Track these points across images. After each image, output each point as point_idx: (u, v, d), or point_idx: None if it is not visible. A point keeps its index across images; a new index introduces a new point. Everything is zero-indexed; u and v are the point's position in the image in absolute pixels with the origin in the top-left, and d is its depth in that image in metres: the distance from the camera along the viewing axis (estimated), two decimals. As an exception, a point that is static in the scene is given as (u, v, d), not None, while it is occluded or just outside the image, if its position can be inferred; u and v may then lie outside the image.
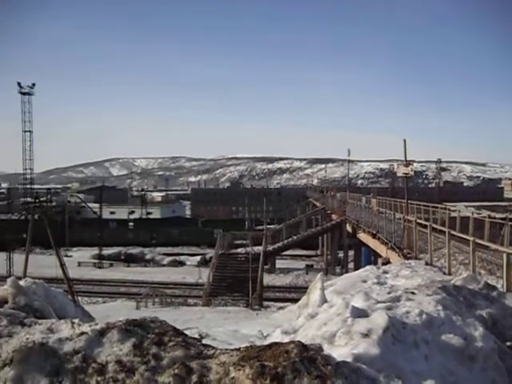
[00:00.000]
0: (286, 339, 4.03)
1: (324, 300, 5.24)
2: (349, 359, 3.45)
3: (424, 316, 4.43)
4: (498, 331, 5.42)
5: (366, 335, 3.87)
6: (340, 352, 3.70)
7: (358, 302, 4.87)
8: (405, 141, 23.32)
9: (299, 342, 3.15)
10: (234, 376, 2.91)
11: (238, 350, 3.23)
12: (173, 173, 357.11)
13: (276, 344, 3.16)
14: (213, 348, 3.40)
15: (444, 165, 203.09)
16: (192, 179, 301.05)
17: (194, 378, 2.96)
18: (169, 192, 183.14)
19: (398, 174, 24.48)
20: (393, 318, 4.12)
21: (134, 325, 3.60)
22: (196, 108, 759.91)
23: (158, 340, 3.38)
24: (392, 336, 3.91)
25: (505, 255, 9.28)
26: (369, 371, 3.11)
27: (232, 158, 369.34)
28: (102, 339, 3.42)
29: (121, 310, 24.56)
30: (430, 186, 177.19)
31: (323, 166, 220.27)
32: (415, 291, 6.02)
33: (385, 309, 4.57)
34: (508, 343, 5.17)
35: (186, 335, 3.68)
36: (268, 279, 38.04)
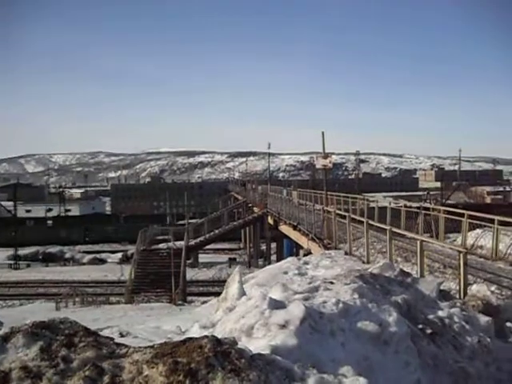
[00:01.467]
0: (205, 334, 4.04)
1: (242, 293, 5.29)
2: (266, 351, 3.52)
3: (340, 305, 4.59)
4: (412, 315, 5.71)
5: (283, 326, 3.96)
6: (258, 344, 3.76)
7: (276, 294, 4.96)
8: (323, 133, 23.99)
9: (213, 336, 3.17)
10: (148, 374, 2.89)
11: (152, 347, 3.20)
12: (92, 169, 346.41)
13: (190, 339, 3.17)
14: (126, 346, 3.35)
15: (363, 157, 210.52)
16: (112, 175, 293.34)
17: (106, 378, 2.91)
18: (88, 188, 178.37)
19: (317, 166, 25.14)
20: (310, 309, 4.24)
21: (41, 327, 3.47)
22: (116, 101, 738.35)
23: (67, 342, 3.29)
24: (309, 326, 4.02)
25: (418, 242, 9.79)
26: (283, 362, 3.19)
27: (152, 153, 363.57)
28: (5, 345, 3.28)
29: (39, 312, 23.51)
30: (349, 177, 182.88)
31: (244, 159, 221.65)
32: (333, 281, 6.21)
33: (302, 299, 4.70)
34: (420, 326, 5.46)
35: (99, 335, 3.60)
36: (191, 274, 38.40)
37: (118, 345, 3.46)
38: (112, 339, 3.58)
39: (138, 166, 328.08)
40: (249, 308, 4.51)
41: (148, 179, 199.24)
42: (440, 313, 6.21)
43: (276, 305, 4.39)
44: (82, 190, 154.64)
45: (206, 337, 3.13)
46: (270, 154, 78.95)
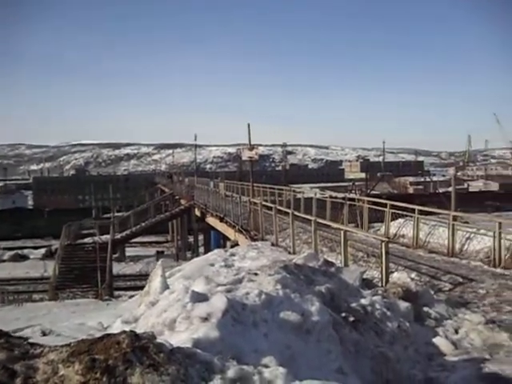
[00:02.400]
0: (127, 329, 3.98)
1: (165, 286, 5.26)
2: (188, 344, 3.51)
3: (263, 296, 4.65)
4: (335, 304, 5.88)
5: (205, 319, 3.97)
6: (180, 338, 3.75)
7: (199, 287, 4.97)
8: (249, 125, 24.17)
9: (131, 331, 3.13)
10: (63, 374, 2.81)
11: (69, 345, 3.12)
12: (12, 161, 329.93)
13: (108, 336, 3.11)
14: (41, 346, 3.23)
15: (290, 148, 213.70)
16: (34, 167, 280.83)
17: (19, 381, 2.80)
18: (7, 182, 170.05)
19: (243, 158, 25.32)
20: (232, 301, 4.27)
21: None
22: (37, 90, 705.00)
23: (-27, 346, 3.13)
24: (232, 318, 4.05)
25: (342, 232, 10.07)
26: (204, 355, 3.20)
27: (77, 145, 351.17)
28: None
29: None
30: (276, 168, 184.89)
31: (171, 151, 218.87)
32: (258, 272, 6.29)
33: (225, 291, 4.73)
34: (343, 314, 5.63)
35: (10, 335, 3.46)
36: (118, 268, 37.74)
37: (33, 345, 3.33)
38: (26, 339, 3.46)
39: (61, 159, 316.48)
40: (171, 302, 4.49)
41: (72, 172, 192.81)
42: (363, 301, 6.43)
43: (198, 298, 4.39)
44: (0, 184, 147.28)
45: (124, 332, 3.08)
46: (196, 146, 78.80)
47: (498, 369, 5.44)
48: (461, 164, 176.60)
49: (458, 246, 13.29)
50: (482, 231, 13.23)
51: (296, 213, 14.49)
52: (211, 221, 30.51)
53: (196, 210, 38.04)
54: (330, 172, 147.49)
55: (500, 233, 11.67)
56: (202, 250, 42.89)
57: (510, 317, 7.49)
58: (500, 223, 11.90)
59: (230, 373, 3.08)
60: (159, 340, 3.18)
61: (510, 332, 6.69)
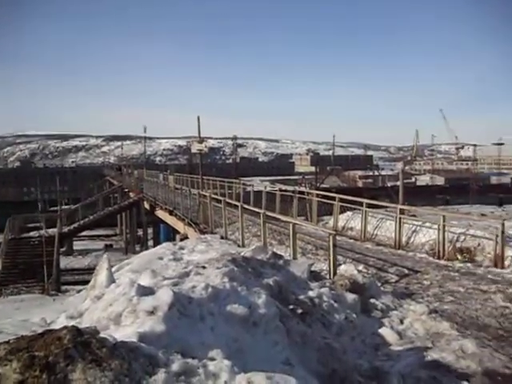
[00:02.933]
0: (72, 324, 3.90)
1: (112, 280, 5.18)
2: (134, 338, 3.48)
3: (210, 289, 4.65)
4: (283, 296, 5.95)
5: (151, 313, 3.94)
6: (125, 332, 3.71)
7: (145, 280, 4.93)
8: (198, 118, 24.09)
9: (73, 326, 3.07)
10: (1, 372, 2.73)
11: (7, 342, 3.03)
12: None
13: (49, 331, 3.04)
14: (-23, 345, 3.13)
15: (240, 141, 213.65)
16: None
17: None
18: None
19: (193, 151, 25.25)
20: (178, 294, 4.25)
21: None
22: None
23: None
24: (178, 311, 4.04)
25: (291, 225, 10.16)
26: (148, 349, 3.18)
27: (22, 136, 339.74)
28: None
29: None
30: (227, 161, 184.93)
31: (120, 143, 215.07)
32: (206, 265, 6.28)
33: (171, 285, 4.71)
34: (291, 306, 5.70)
35: None
36: (65, 262, 37.23)
37: (-31, 344, 3.23)
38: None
39: (5, 150, 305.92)
40: (117, 295, 4.43)
41: (17, 164, 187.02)
42: (310, 293, 6.53)
43: (144, 291, 4.35)
44: None
45: (66, 327, 3.02)
46: (145, 138, 77.84)
47: (439, 356, 5.65)
48: (409, 158, 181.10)
49: (404, 238, 13.67)
50: (427, 224, 13.63)
51: (245, 206, 14.53)
52: (161, 214, 30.30)
53: (145, 203, 37.68)
54: (281, 165, 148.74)
55: (444, 226, 12.06)
56: (151, 243, 42.62)
57: (451, 306, 7.77)
58: (444, 216, 12.30)
59: (175, 366, 3.08)
60: (102, 335, 3.13)
61: (451, 321, 6.95)
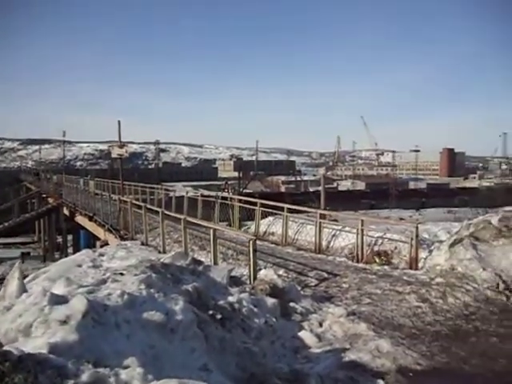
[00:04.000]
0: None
1: (23, 290, 5.00)
2: (44, 350, 3.39)
3: (126, 296, 4.60)
4: (203, 302, 5.96)
5: (64, 322, 3.85)
6: (35, 343, 3.61)
7: (59, 289, 4.80)
8: (119, 122, 23.73)
9: (-28, 340, 2.96)
10: None
11: None
12: None
13: None
14: None
15: (163, 146, 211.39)
16: None
17: None
18: None
19: (113, 155, 24.78)
20: (93, 302, 4.18)
21: None
22: None
23: None
24: (92, 320, 3.97)
25: (212, 231, 10.18)
26: (56, 360, 3.11)
27: None
28: None
29: None
30: (149, 166, 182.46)
31: (38, 147, 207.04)
32: (124, 272, 6.20)
33: (87, 293, 4.61)
34: (211, 312, 5.73)
35: None
36: (-22, 271, 35.04)
37: None
38: None
39: None
40: (27, 306, 4.29)
41: None
42: (230, 298, 6.58)
43: (58, 300, 4.24)
44: None
45: (-36, 342, 2.91)
46: (65, 142, 75.49)
47: (356, 357, 5.87)
48: (331, 164, 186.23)
49: (324, 242, 14.00)
50: (346, 228, 14.04)
51: (166, 212, 14.44)
52: (80, 220, 29.70)
53: (64, 208, 36.72)
54: (204, 170, 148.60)
55: (362, 230, 12.48)
56: (71, 250, 41.35)
57: (369, 308, 8.07)
58: (362, 221, 12.74)
59: (85, 377, 3.03)
60: (7, 348, 3.03)
61: (368, 322, 7.22)
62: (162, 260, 7.48)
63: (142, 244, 14.73)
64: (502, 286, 9.31)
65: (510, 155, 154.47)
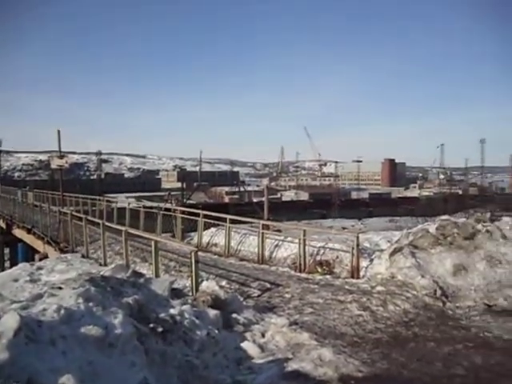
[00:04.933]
0: None
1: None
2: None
3: (62, 311, 4.49)
4: (144, 315, 5.87)
5: (-6, 340, 3.72)
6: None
7: (-13, 306, 4.63)
8: (59, 132, 23.34)
9: None
10: None
11: None
12: None
13: None
14: None
15: (105, 157, 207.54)
16: None
17: None
18: None
19: (53, 166, 24.38)
20: (27, 318, 4.06)
21: None
22: None
23: None
24: (25, 336, 3.85)
25: (153, 243, 10.07)
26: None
27: None
28: None
29: None
30: (91, 177, 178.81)
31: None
32: (62, 286, 6.05)
33: (20, 308, 4.47)
34: (152, 325, 5.65)
35: None
36: None
37: None
38: None
39: None
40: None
41: None
42: (172, 310, 6.51)
43: (-12, 318, 4.09)
44: None
45: None
46: (1, 152, 73.09)
47: (298, 366, 5.93)
48: (274, 175, 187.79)
49: (267, 253, 14.08)
50: (289, 239, 14.19)
51: (107, 223, 14.22)
52: (18, 233, 28.85)
53: (1, 221, 35.49)
54: (147, 181, 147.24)
55: (304, 240, 12.63)
56: (8, 264, 39.99)
57: (311, 318, 8.17)
58: (304, 231, 12.89)
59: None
60: None
61: (310, 332, 7.30)
62: (102, 273, 7.34)
63: (83, 257, 14.50)
64: (439, 292, 9.65)
65: (447, 165, 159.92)
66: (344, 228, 41.29)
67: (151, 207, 22.72)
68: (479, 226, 11.56)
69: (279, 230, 18.37)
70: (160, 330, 5.66)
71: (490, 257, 10.60)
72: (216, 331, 6.59)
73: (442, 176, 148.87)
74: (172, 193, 68.84)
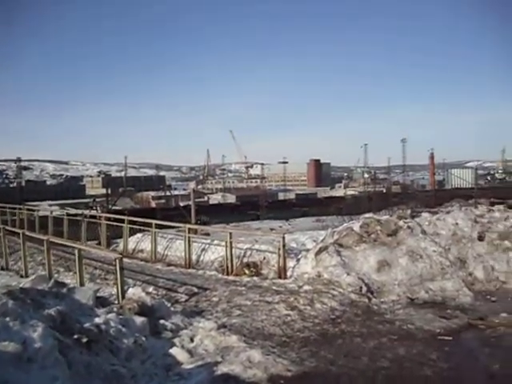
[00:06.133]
0: None
1: None
2: None
3: (-26, 329, 4.26)
4: (67, 326, 5.68)
5: None
6: None
7: None
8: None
9: None
10: None
11: None
12: None
13: None
14: None
15: (25, 163, 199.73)
16: None
17: None
18: None
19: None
20: None
21: None
22: None
23: None
24: None
25: (77, 251, 9.75)
26: None
27: None
28: None
29: None
30: (11, 185, 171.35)
31: None
32: (-24, 302, 5.74)
33: None
34: (76, 336, 5.47)
35: None
36: None
37: None
38: None
39: None
40: None
41: None
42: (97, 320, 6.34)
43: None
44: None
45: None
46: None
47: (228, 369, 5.92)
48: (201, 178, 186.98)
49: (194, 257, 13.97)
50: (215, 242, 14.15)
51: (28, 233, 13.68)
52: None
53: None
54: (71, 188, 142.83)
55: (231, 242, 12.62)
56: None
57: (239, 320, 8.16)
58: (231, 233, 12.89)
59: None
60: None
61: (239, 334, 7.30)
62: (21, 285, 7.04)
63: (2, 269, 13.96)
64: (364, 288, 9.90)
65: (371, 165, 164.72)
66: (272, 229, 41.68)
67: (75, 215, 22.14)
68: (401, 223, 11.98)
69: (208, 234, 18.29)
70: (84, 340, 5.49)
71: (412, 252, 11.00)
72: (143, 338, 6.46)
73: (366, 175, 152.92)
74: (97, 199, 67.09)
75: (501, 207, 14.02)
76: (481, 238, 11.77)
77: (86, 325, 6.00)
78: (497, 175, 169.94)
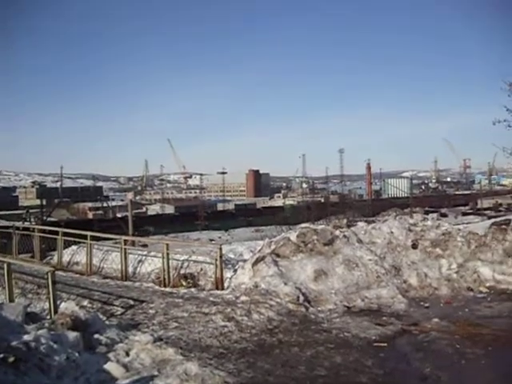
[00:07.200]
0: None
1: None
2: None
3: None
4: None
5: None
6: None
7: None
8: None
9: None
10: None
11: None
12: None
13: None
14: None
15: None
16: None
17: None
18: None
19: None
20: None
21: None
22: None
23: None
24: None
25: (5, 265, 9.34)
26: None
27: None
28: None
29: None
30: None
31: None
32: None
33: None
34: (2, 355, 5.23)
35: None
36: None
37: None
38: None
39: None
40: None
41: None
42: (26, 337, 6.07)
43: None
44: None
45: None
46: None
47: (164, 383, 5.89)
48: (139, 188, 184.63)
49: (131, 269, 13.70)
50: (152, 253, 13.94)
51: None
52: None
53: None
54: (3, 199, 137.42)
55: (168, 254, 12.47)
56: None
57: (176, 332, 8.06)
58: (167, 244, 12.75)
59: None
60: None
61: (176, 346, 7.20)
62: None
63: None
64: (301, 298, 9.99)
65: (309, 175, 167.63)
66: (211, 240, 41.67)
67: (7, 227, 21.30)
68: (337, 232, 12.19)
69: (145, 245, 18.01)
70: (11, 359, 5.26)
71: (348, 261, 11.22)
72: (76, 354, 6.25)
73: (304, 185, 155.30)
74: (31, 210, 65.00)
75: (434, 215, 14.52)
76: (414, 246, 12.15)
77: (14, 343, 5.74)
78: (430, 184, 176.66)
